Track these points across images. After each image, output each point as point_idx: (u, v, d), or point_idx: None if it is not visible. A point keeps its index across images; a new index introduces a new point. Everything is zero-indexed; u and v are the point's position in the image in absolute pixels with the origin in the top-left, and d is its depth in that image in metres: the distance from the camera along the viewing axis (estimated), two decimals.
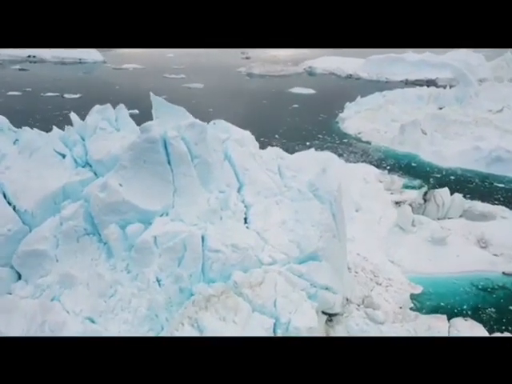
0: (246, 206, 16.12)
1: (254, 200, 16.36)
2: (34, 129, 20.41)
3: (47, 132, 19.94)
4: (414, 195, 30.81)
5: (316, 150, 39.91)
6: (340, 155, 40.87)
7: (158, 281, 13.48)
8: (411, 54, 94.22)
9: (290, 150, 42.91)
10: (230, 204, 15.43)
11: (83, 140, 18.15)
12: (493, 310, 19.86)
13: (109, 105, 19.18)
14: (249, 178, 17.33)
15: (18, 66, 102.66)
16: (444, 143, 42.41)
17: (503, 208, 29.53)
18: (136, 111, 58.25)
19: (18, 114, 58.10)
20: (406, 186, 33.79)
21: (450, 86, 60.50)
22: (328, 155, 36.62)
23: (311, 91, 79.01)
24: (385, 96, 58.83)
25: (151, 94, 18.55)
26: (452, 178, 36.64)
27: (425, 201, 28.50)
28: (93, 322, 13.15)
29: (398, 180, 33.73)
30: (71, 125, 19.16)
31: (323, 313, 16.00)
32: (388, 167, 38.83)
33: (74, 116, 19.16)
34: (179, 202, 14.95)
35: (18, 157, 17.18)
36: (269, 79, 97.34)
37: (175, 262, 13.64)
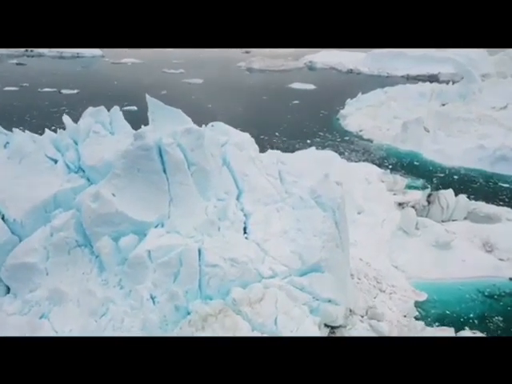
0: (245, 215, 15.45)
1: (253, 208, 15.70)
2: (26, 131, 19.73)
3: (42, 130, 19.28)
4: (418, 196, 30.09)
5: (317, 148, 39.32)
6: (341, 154, 40.13)
7: (153, 298, 12.83)
8: (413, 49, 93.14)
9: (291, 149, 42.33)
10: (228, 214, 14.75)
11: (76, 144, 17.43)
12: (500, 318, 19.25)
13: (103, 107, 18.43)
14: (248, 184, 16.65)
15: (15, 61, 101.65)
16: (447, 141, 41.68)
17: (508, 209, 28.87)
18: (134, 107, 57.60)
19: (14, 110, 57.43)
20: (409, 187, 33.13)
21: (453, 82, 59.65)
22: (329, 154, 35.88)
23: (312, 86, 78.14)
24: (386, 92, 58.02)
25: (147, 95, 17.83)
26: (455, 177, 35.95)
27: (429, 203, 27.79)
28: None
29: (401, 180, 33.01)
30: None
31: (325, 325, 15.39)
32: (390, 166, 38.14)
33: (66, 119, 18.43)
34: (175, 212, 14.26)
35: (8, 162, 16.49)
36: (269, 74, 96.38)
37: (170, 278, 12.97)
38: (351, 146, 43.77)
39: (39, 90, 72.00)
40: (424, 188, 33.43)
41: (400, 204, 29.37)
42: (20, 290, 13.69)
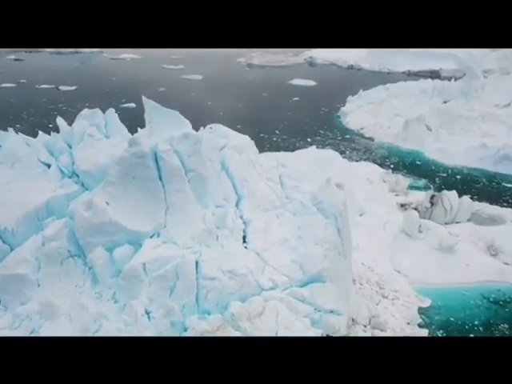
0: (244, 223, 14.92)
1: (253, 215, 15.17)
2: (20, 133, 19.18)
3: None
4: (420, 197, 29.55)
5: (317, 147, 38.68)
6: (342, 153, 39.55)
7: (148, 313, 12.30)
8: None
9: (291, 147, 41.76)
10: (227, 222, 14.22)
11: (70, 148, 16.89)
12: (506, 326, 18.78)
13: (97, 109, 17.86)
14: (248, 189, 16.13)
15: (13, 56, 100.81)
16: (449, 140, 41.13)
17: None
18: (132, 104, 56.98)
19: (12, 107, 56.84)
20: (411, 187, 32.61)
21: (455, 79, 59.00)
22: (330, 154, 35.22)
23: (312, 83, 77.44)
24: (388, 89, 57.39)
25: (143, 97, 17.29)
26: (458, 177, 35.41)
27: (432, 204, 27.25)
28: None
29: (403, 181, 32.46)
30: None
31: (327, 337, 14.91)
32: (392, 166, 37.60)
33: (60, 121, 17.88)
34: (172, 221, 13.73)
35: None
36: (269, 70, 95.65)
37: (166, 292, 12.45)
38: (352, 145, 43.21)
39: (37, 86, 71.39)
40: (426, 188, 32.95)
41: (402, 205, 28.87)
42: (11, 302, 13.19)
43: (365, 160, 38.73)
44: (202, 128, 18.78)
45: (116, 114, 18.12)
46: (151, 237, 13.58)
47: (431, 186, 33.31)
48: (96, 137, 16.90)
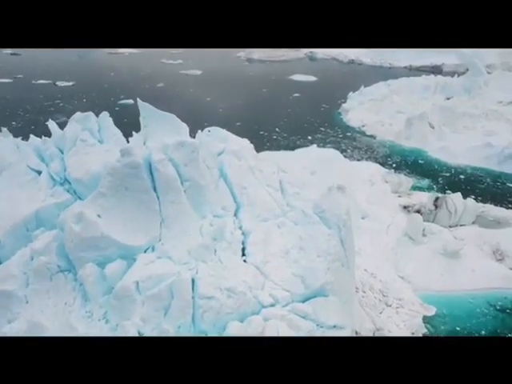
0: (243, 234, 14.24)
1: (252, 225, 14.49)
2: (10, 137, 18.51)
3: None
4: (423, 198, 28.88)
5: (318, 145, 38.05)
6: (343, 151, 38.87)
7: (141, 335, 11.66)
8: None
9: (291, 145, 41.10)
10: (225, 234, 13.54)
11: (62, 153, 16.19)
12: None
13: (91, 113, 17.13)
14: (247, 197, 15.45)
15: (9, 51, 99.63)
16: (452, 138, 40.40)
17: None
18: (131, 101, 56.16)
19: (7, 103, 55.99)
20: (414, 187, 31.96)
21: (458, 74, 58.14)
22: (331, 153, 34.54)
23: (312, 78, 76.54)
24: (389, 85, 56.69)
25: (138, 100, 16.64)
26: (461, 177, 34.72)
27: (436, 207, 26.58)
28: None
29: (406, 181, 31.75)
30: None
31: None
32: (394, 165, 36.92)
33: (52, 125, 17.17)
34: (167, 234, 13.03)
35: None
36: (269, 65, 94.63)
37: (160, 312, 11.76)
38: (353, 143, 42.47)
39: (33, 81, 70.50)
40: (429, 189, 32.33)
41: (405, 207, 28.21)
42: None
43: (366, 159, 38.05)
44: (199, 131, 18.09)
45: (110, 118, 17.40)
46: (145, 251, 12.89)
47: (434, 187, 32.71)
48: (89, 142, 16.18)
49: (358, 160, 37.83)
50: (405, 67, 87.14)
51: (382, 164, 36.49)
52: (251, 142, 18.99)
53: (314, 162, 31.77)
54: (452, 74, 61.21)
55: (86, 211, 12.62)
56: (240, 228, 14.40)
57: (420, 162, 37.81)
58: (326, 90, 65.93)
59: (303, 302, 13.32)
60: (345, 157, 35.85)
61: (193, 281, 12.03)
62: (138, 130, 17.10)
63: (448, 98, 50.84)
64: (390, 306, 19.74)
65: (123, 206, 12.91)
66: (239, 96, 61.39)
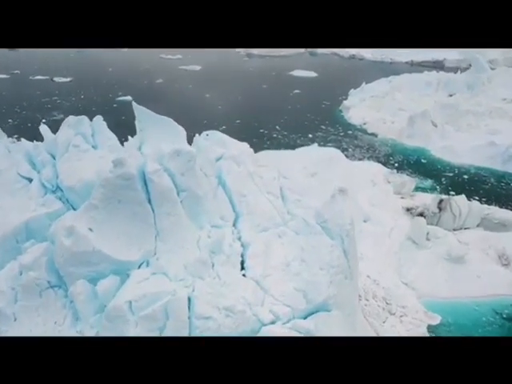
0: (243, 245, 13.64)
1: (252, 236, 13.89)
2: (4, 138, 17.89)
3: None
4: (426, 200, 28.30)
5: (319, 144, 37.45)
6: (345, 150, 38.22)
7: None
8: None
9: (292, 144, 40.48)
10: (224, 246, 12.93)
11: (54, 159, 15.58)
12: None
13: (84, 117, 16.47)
14: (246, 206, 14.85)
15: None
16: (456, 137, 39.72)
17: None
18: (129, 97, 55.32)
19: (4, 100, 55.20)
20: (417, 188, 31.34)
21: (460, 70, 57.34)
22: (333, 152, 33.91)
23: (313, 74, 75.63)
24: (391, 82, 55.94)
25: (134, 103, 16.01)
26: (465, 177, 34.10)
27: (440, 209, 25.98)
28: None
29: (409, 182, 31.13)
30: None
31: None
32: (396, 164, 36.31)
33: (44, 129, 16.53)
34: (162, 247, 12.42)
35: None
36: (269, 60, 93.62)
37: (155, 334, 11.13)
38: (355, 142, 41.78)
39: (31, 77, 69.65)
40: (433, 190, 31.74)
41: (408, 209, 27.61)
42: None
43: (368, 158, 37.42)
44: (197, 135, 17.45)
45: (104, 122, 16.72)
46: (139, 266, 12.29)
47: (437, 187, 32.12)
48: (82, 147, 15.54)
49: (360, 159, 37.24)
50: (406, 62, 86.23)
51: (384, 163, 35.89)
52: (251, 141, 18.39)
53: (315, 161, 31.17)
54: (454, 69, 60.42)
55: (76, 225, 11.99)
56: (239, 239, 13.80)
57: (423, 161, 37.17)
58: (327, 87, 65.11)
59: (305, 317, 12.76)
60: (346, 156, 35.26)
61: (189, 299, 11.43)
62: (135, 128, 16.39)
63: (450, 95, 50.10)
64: (394, 314, 19.22)
65: (116, 218, 12.29)
66: (239, 92, 60.62)
